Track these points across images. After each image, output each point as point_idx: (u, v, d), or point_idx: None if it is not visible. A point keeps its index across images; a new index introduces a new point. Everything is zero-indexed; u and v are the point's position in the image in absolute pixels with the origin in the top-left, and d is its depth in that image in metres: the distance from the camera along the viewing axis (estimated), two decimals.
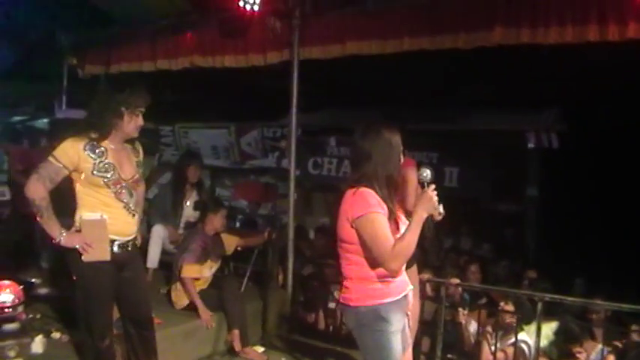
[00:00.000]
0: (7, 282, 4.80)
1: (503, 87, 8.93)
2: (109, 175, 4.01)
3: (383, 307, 3.40)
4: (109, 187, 4.02)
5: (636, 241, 7.83)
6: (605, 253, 8.09)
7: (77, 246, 3.97)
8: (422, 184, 3.43)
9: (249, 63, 7.09)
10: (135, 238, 4.32)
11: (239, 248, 6.80)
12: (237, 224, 10.51)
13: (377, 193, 3.36)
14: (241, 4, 6.45)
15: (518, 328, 5.61)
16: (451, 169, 9.21)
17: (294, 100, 6.66)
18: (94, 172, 3.96)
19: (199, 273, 6.09)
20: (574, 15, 5.20)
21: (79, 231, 4.01)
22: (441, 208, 3.41)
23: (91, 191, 4.01)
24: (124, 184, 4.09)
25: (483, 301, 6.52)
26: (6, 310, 4.67)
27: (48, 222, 3.93)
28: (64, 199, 4.05)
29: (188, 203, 7.16)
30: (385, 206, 3.36)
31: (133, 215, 4.20)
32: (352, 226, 3.36)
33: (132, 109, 4.06)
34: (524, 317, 5.70)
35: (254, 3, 6.44)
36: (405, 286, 3.55)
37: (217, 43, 7.24)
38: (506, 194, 9.46)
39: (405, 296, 3.54)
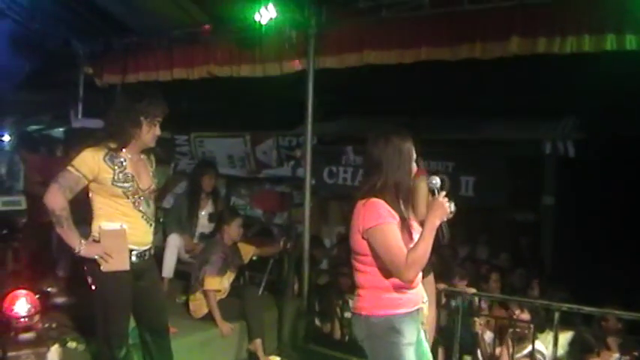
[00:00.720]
0: (23, 291, 4.80)
1: (519, 96, 8.90)
2: (128, 186, 4.02)
3: (396, 317, 3.34)
4: (128, 198, 4.03)
5: None
6: (622, 262, 8.02)
7: (96, 256, 3.98)
8: (432, 191, 3.39)
9: (266, 73, 7.11)
10: (151, 248, 4.33)
11: (255, 257, 6.80)
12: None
13: (387, 202, 3.32)
14: (257, 13, 6.47)
15: (533, 337, 5.58)
16: (467, 179, 9.16)
17: (310, 109, 6.65)
18: (114, 183, 3.97)
19: (220, 285, 6.09)
20: (590, 25, 5.19)
21: (97, 240, 4.02)
22: (452, 207, 3.34)
23: (109, 201, 4.02)
24: (141, 194, 4.11)
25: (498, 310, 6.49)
26: (22, 319, 4.68)
27: (68, 232, 3.92)
28: (79, 209, 4.06)
29: (203, 213, 7.15)
30: (397, 215, 3.32)
31: (151, 225, 4.22)
32: (364, 238, 3.32)
33: (151, 118, 4.07)
34: (539, 326, 5.67)
35: (270, 13, 6.46)
36: (420, 299, 3.50)
37: (234, 52, 7.26)
38: (522, 203, 9.43)
39: (419, 310, 3.49)
